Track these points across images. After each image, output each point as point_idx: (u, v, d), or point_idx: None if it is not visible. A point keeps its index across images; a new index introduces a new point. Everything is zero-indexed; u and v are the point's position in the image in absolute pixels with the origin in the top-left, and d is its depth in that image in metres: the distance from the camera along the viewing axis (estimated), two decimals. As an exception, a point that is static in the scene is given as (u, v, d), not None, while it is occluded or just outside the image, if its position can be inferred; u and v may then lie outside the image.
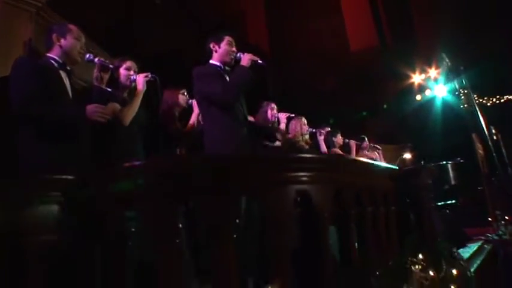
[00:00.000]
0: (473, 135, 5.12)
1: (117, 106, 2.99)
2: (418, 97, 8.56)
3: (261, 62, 3.14)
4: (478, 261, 3.16)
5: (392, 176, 2.48)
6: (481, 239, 4.25)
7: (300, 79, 7.96)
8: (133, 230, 1.77)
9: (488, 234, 4.44)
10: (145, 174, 1.70)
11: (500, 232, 4.41)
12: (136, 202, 1.70)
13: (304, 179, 1.77)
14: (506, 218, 5.66)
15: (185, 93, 3.86)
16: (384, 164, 2.38)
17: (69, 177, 1.87)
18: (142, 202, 1.68)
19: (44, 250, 1.77)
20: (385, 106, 8.75)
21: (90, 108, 2.63)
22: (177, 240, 1.65)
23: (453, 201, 6.04)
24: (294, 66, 8.26)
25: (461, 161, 5.90)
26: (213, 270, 1.63)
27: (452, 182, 5.60)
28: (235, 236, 1.66)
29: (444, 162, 5.59)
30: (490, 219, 5.73)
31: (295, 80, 7.67)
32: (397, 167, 2.58)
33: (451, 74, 3.95)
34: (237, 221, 1.68)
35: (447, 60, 3.71)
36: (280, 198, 1.70)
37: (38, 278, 1.73)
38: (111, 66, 3.17)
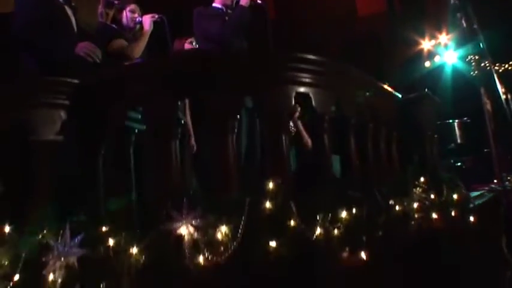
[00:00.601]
0: (482, 90, 5.04)
1: (124, 42, 3.00)
2: (427, 64, 8.41)
3: (260, 1, 3.16)
4: (479, 202, 3.18)
5: (396, 101, 2.48)
6: (483, 189, 4.25)
7: (306, 43, 7.87)
8: (136, 130, 1.81)
9: (492, 185, 4.43)
10: (148, 71, 1.72)
11: (505, 184, 4.39)
12: (138, 98, 1.73)
13: (306, 80, 1.78)
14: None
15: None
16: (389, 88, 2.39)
17: (74, 80, 1.91)
18: (144, 97, 1.71)
19: (50, 150, 1.82)
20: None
21: (81, 44, 2.62)
22: (178, 135, 1.69)
23: (458, 164, 6.01)
24: (299, 30, 8.15)
25: (468, 120, 5.85)
26: (213, 161, 1.66)
27: (459, 141, 5.56)
28: (235, 129, 1.69)
29: (450, 121, 5.54)
30: (495, 180, 5.68)
31: (300, 43, 7.60)
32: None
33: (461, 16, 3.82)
34: (238, 116, 1.70)
35: (457, 1, 3.62)
36: (281, 96, 1.72)
37: (44, 175, 1.79)
38: (116, 2, 3.17)
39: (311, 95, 1.80)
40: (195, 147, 2.68)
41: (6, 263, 1.50)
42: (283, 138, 1.70)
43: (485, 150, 6.06)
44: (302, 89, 1.78)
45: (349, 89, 2.01)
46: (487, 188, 4.29)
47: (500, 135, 5.44)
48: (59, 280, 1.51)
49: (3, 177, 1.76)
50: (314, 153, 1.88)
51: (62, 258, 1.53)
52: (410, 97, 2.59)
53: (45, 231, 1.57)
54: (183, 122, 1.73)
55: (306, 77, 1.78)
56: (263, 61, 1.75)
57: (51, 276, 1.53)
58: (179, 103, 1.70)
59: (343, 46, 8.62)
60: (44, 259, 1.53)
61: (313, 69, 1.80)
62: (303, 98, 1.79)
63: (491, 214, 3.57)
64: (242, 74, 1.71)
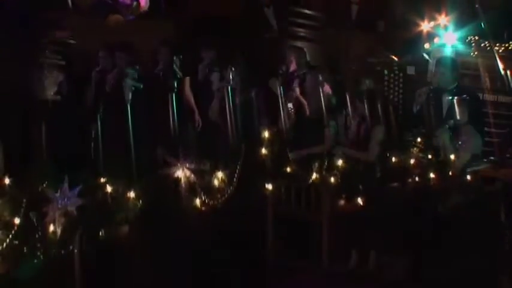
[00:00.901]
0: (480, 67, 4.99)
1: (121, 18, 3.01)
2: (427, 45, 8.36)
3: None
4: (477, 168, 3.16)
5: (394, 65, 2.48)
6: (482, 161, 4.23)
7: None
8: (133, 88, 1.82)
9: (491, 158, 4.41)
10: (145, 28, 1.72)
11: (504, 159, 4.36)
12: (136, 54, 1.74)
13: (301, 34, 1.79)
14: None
15: None
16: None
17: (71, 41, 1.92)
18: (142, 53, 1.72)
19: (48, 108, 1.84)
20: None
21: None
22: (174, 88, 1.70)
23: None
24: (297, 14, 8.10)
25: (467, 98, 5.80)
26: (212, 119, 1.68)
27: (458, 118, 5.51)
28: (230, 82, 1.70)
29: (450, 98, 5.49)
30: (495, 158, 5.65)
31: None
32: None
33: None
34: (233, 69, 1.71)
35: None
36: (275, 50, 1.72)
37: (42, 133, 1.80)
38: (112, -25, 3.17)
39: (306, 49, 1.81)
40: (200, 124, 2.66)
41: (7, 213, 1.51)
42: (279, 88, 1.71)
43: (485, 127, 6.03)
44: (298, 43, 1.79)
45: (346, 46, 2.01)
46: (485, 160, 4.27)
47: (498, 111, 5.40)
48: (59, 229, 1.53)
49: (3, 135, 1.78)
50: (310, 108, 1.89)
51: (61, 209, 1.55)
52: (408, 60, 2.58)
53: (44, 185, 1.58)
54: (179, 76, 1.73)
55: (301, 32, 1.79)
56: (258, 15, 1.75)
57: (51, 227, 1.55)
58: (175, 58, 1.70)
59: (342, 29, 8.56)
60: (44, 210, 1.55)
61: (309, 24, 1.80)
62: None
63: (488, 180, 3.56)
64: (236, 28, 1.72)
